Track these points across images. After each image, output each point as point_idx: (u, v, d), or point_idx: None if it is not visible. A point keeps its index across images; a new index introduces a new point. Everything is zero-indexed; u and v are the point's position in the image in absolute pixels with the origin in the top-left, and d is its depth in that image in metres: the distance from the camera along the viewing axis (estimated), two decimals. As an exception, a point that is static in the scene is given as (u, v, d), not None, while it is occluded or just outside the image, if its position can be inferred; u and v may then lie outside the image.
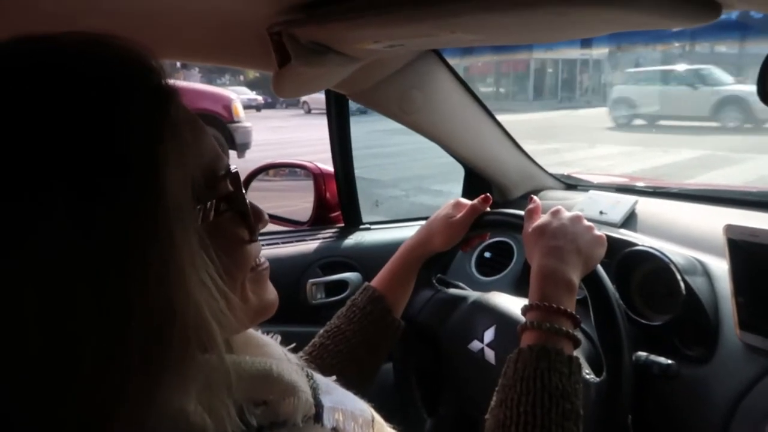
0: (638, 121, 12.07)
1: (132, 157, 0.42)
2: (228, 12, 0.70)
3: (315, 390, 0.55)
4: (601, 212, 1.36)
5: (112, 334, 0.40)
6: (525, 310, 0.78)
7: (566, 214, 0.85)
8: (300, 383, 0.52)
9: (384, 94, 1.09)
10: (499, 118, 1.42)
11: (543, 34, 0.74)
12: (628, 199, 1.36)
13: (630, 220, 1.31)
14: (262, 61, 0.79)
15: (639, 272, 1.10)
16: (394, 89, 1.08)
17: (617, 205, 1.36)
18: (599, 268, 0.84)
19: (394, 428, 0.69)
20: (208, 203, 0.48)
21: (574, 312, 0.76)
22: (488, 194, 0.99)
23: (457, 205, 1.00)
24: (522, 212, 0.91)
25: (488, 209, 0.99)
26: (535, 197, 0.92)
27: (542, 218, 0.86)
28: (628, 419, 0.83)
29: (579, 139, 11.07)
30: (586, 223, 0.85)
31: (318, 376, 0.58)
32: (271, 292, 0.58)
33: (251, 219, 0.53)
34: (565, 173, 1.74)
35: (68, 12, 0.62)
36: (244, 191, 0.53)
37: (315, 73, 0.78)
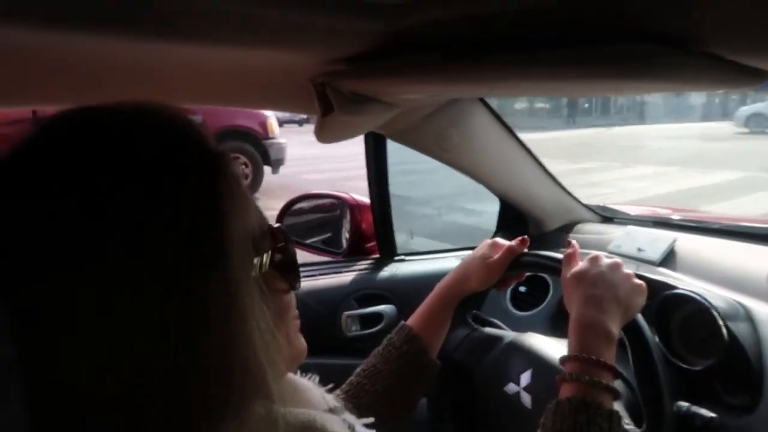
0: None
1: (199, 216, 0.44)
2: (273, 65, 0.72)
3: None
4: (639, 249, 1.34)
5: (177, 384, 0.42)
6: (563, 360, 0.77)
7: (605, 261, 0.85)
8: None
9: (422, 134, 1.11)
10: (533, 136, 1.42)
11: (580, 93, 0.75)
12: (667, 236, 1.34)
13: (669, 258, 1.29)
14: (306, 106, 0.81)
15: (679, 315, 1.08)
16: (431, 129, 1.10)
17: (656, 242, 1.33)
18: (639, 316, 0.83)
19: None
20: (264, 255, 0.51)
21: (613, 364, 0.75)
22: (526, 237, 0.99)
23: (494, 246, 1.00)
24: (560, 255, 0.90)
25: (525, 250, 0.99)
26: (573, 241, 0.92)
27: (581, 265, 0.86)
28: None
29: (612, 158, 10.99)
30: (626, 271, 0.84)
31: (359, 428, 0.59)
32: (303, 340, 0.61)
33: (297, 268, 0.56)
34: (602, 203, 1.73)
35: (122, 67, 0.65)
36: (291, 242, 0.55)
37: (357, 120, 0.80)
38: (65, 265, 0.41)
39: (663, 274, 1.20)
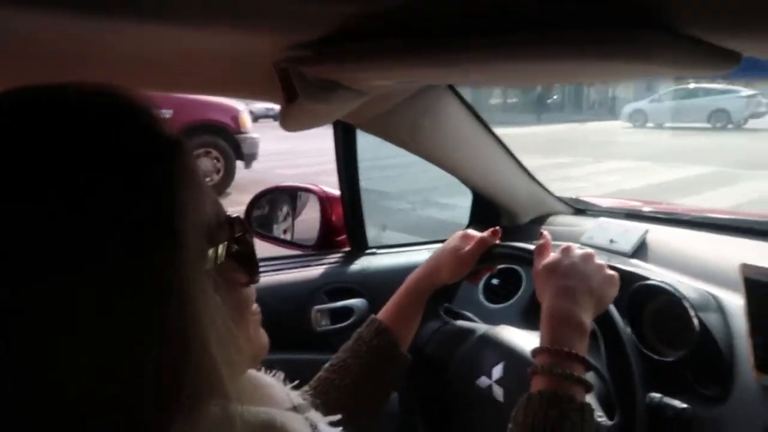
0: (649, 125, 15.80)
1: (152, 203, 0.41)
2: (234, 49, 0.69)
3: None
4: (611, 241, 1.34)
5: (127, 378, 0.39)
6: (535, 353, 0.76)
7: (577, 252, 0.84)
8: None
9: (392, 124, 1.08)
10: (507, 131, 1.41)
11: (556, 79, 0.73)
12: (639, 228, 1.34)
13: (641, 250, 1.29)
14: (270, 94, 0.78)
15: (651, 306, 1.08)
16: (402, 118, 1.07)
17: (627, 234, 1.33)
18: (611, 307, 0.82)
19: None
20: (220, 246, 0.48)
21: (585, 356, 0.74)
22: (497, 227, 0.98)
23: (465, 237, 0.99)
24: (532, 247, 0.89)
25: (497, 242, 0.97)
26: (545, 232, 0.90)
27: (553, 256, 0.84)
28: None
29: (586, 153, 11.23)
30: (598, 261, 0.83)
31: (322, 426, 0.57)
32: (265, 336, 0.58)
33: (255, 261, 0.52)
34: (574, 196, 1.72)
35: (73, 54, 0.61)
36: (249, 233, 0.52)
37: (323, 108, 0.77)
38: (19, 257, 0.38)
39: (635, 266, 1.20)
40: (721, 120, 15.37)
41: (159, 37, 0.62)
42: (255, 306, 0.57)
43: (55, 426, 0.39)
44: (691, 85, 16.42)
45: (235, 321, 0.49)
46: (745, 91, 15.69)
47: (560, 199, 1.63)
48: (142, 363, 0.39)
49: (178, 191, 0.43)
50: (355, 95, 0.77)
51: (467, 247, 0.96)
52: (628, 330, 1.01)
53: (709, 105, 15.81)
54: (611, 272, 0.83)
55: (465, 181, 1.40)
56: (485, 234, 0.98)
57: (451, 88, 1.18)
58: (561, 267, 0.82)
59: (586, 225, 1.46)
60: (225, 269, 0.49)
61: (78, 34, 0.58)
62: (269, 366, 0.74)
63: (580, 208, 1.64)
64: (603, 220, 1.46)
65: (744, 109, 15.63)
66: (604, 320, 0.81)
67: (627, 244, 1.31)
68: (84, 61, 0.62)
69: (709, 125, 15.30)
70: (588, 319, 0.77)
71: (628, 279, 1.10)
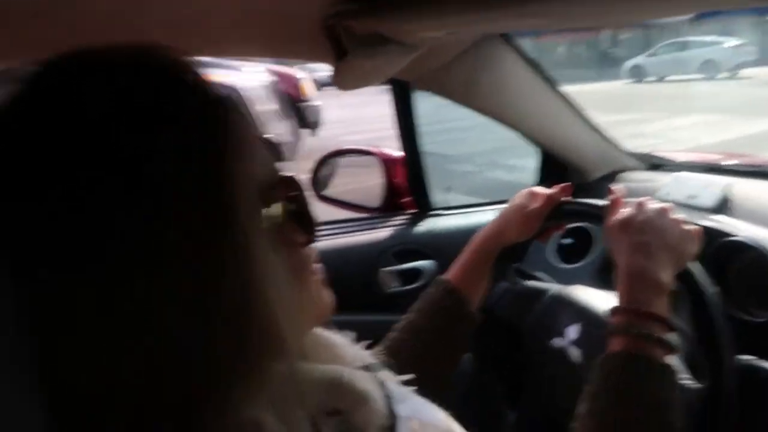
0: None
1: (201, 166, 0.41)
2: (280, 6, 0.67)
3: (389, 398, 0.53)
4: (690, 196, 1.25)
5: (192, 338, 0.39)
6: (612, 313, 0.72)
7: (652, 206, 0.78)
8: (372, 392, 0.50)
9: (448, 80, 1.04)
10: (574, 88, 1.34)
11: (615, 18, 0.67)
12: (721, 181, 1.24)
13: (724, 205, 1.19)
14: (321, 53, 0.76)
15: (738, 264, 1.00)
16: (458, 74, 1.02)
17: (708, 188, 1.24)
18: (694, 263, 0.77)
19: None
20: (274, 205, 0.47)
21: (665, 315, 0.70)
22: (567, 183, 0.93)
23: (533, 195, 0.95)
24: (603, 202, 0.84)
25: (566, 198, 0.93)
26: (617, 187, 0.85)
27: (626, 211, 0.79)
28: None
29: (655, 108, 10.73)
30: (675, 215, 0.77)
31: (392, 384, 0.56)
32: (329, 295, 0.57)
33: (312, 220, 0.51)
34: (647, 152, 1.63)
35: (122, 14, 0.61)
36: (305, 193, 0.51)
37: (374, 64, 0.75)
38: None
39: (718, 221, 1.12)
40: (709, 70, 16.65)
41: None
42: (317, 266, 0.56)
43: (125, 394, 0.39)
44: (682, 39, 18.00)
45: (296, 281, 0.49)
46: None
47: (632, 155, 1.54)
48: (210, 325, 0.39)
49: (224, 150, 0.42)
50: (405, 49, 0.74)
51: (534, 205, 0.93)
52: (713, 292, 0.95)
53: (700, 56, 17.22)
54: (690, 227, 0.77)
55: (529, 138, 1.34)
56: (553, 190, 0.93)
57: (509, 41, 1.12)
58: (635, 222, 0.77)
59: (662, 180, 1.37)
60: (283, 230, 0.48)
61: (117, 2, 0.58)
62: (340, 326, 0.74)
63: (655, 164, 1.55)
64: (681, 175, 1.36)
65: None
66: (685, 277, 0.76)
67: (708, 198, 1.22)
68: (131, 25, 0.62)
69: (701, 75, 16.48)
70: (667, 277, 0.73)
71: (710, 235, 1.02)
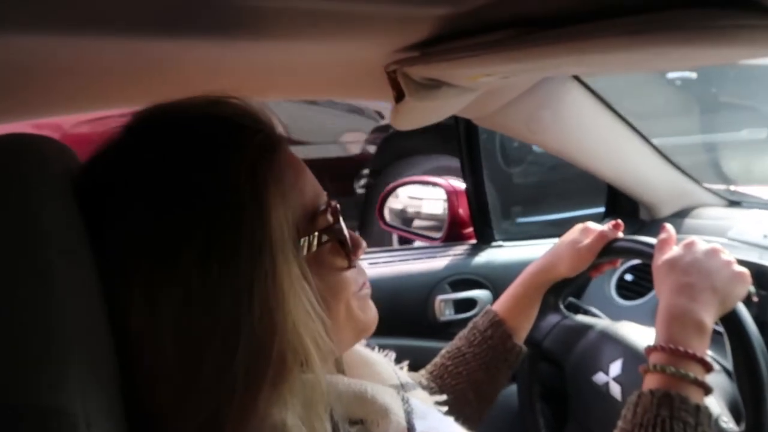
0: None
1: (242, 202, 0.49)
2: (348, 56, 0.76)
3: (409, 414, 0.57)
4: (765, 236, 1.21)
5: (225, 349, 0.47)
6: (649, 351, 0.73)
7: (701, 247, 0.79)
8: (393, 407, 0.55)
9: (510, 117, 1.08)
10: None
11: (670, 64, 0.69)
12: (801, 221, 1.20)
13: (802, 247, 1.15)
14: (381, 94, 0.83)
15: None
16: (519, 111, 1.07)
17: (786, 228, 1.19)
18: (739, 305, 0.76)
19: None
20: (309, 237, 0.54)
21: (704, 356, 0.70)
22: (618, 221, 0.94)
23: (585, 231, 0.96)
24: (654, 241, 0.85)
25: (620, 235, 0.94)
26: (667, 225, 0.86)
27: (674, 251, 0.80)
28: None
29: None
30: (725, 257, 0.77)
31: (415, 401, 0.61)
32: (372, 312, 0.62)
33: (349, 248, 0.57)
34: (729, 188, 1.57)
35: (203, 72, 0.72)
36: (342, 223, 0.58)
37: (430, 105, 0.81)
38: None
39: (789, 264, 1.08)
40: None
41: (277, 50, 0.71)
42: (357, 285, 0.61)
43: (159, 400, 0.48)
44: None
45: (333, 302, 0.55)
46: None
47: (711, 190, 1.50)
48: (236, 339, 0.46)
49: (266, 189, 0.50)
50: (461, 92, 0.79)
51: (586, 241, 0.94)
52: (759, 337, 0.92)
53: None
54: (740, 268, 0.77)
55: (595, 173, 1.35)
56: (605, 227, 0.95)
57: (576, 77, 1.15)
58: (682, 263, 0.77)
59: (738, 218, 1.33)
60: (320, 256, 0.55)
61: (206, 56, 0.68)
62: (385, 347, 0.79)
63: (735, 200, 1.50)
64: (757, 213, 1.32)
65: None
66: (730, 319, 0.75)
67: (784, 239, 1.18)
68: (208, 76, 0.73)
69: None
70: (710, 319, 0.73)
71: (776, 278, 1.00)
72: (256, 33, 0.65)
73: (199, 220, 0.48)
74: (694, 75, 3.43)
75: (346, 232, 0.58)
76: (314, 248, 0.54)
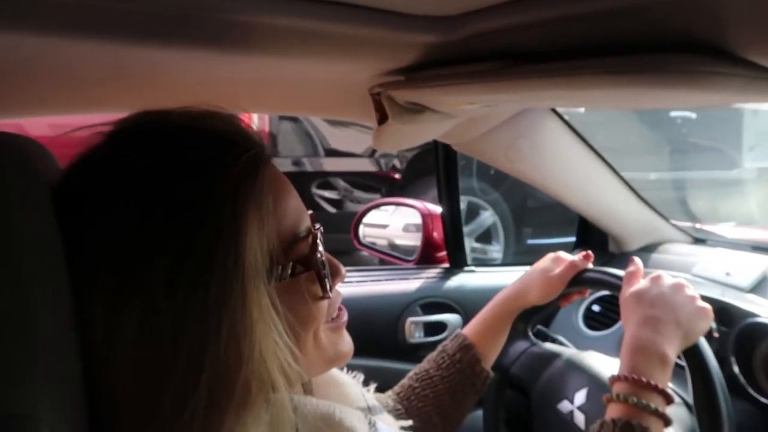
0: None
1: (220, 224, 0.48)
2: (332, 76, 0.77)
3: None
4: (727, 273, 1.25)
5: (187, 376, 0.46)
6: (612, 381, 0.75)
7: (667, 281, 0.81)
8: (360, 429, 0.55)
9: (489, 145, 1.11)
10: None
11: (648, 103, 0.72)
12: (761, 260, 1.24)
13: (761, 285, 1.19)
14: (365, 115, 0.84)
15: (764, 346, 1.00)
16: (499, 140, 1.09)
17: (747, 267, 1.23)
18: (701, 340, 0.79)
19: None
20: (283, 266, 0.53)
21: (666, 388, 0.72)
22: (589, 252, 0.97)
23: (557, 260, 0.98)
24: (622, 273, 0.87)
25: (590, 266, 0.96)
26: (636, 258, 0.88)
27: (641, 284, 0.82)
28: None
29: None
30: (689, 292, 0.80)
31: (381, 425, 0.60)
32: (346, 344, 0.61)
33: (324, 278, 0.56)
34: (695, 225, 1.62)
35: (193, 82, 0.72)
36: (320, 251, 0.56)
37: (412, 129, 0.82)
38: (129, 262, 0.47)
39: (750, 301, 1.12)
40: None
41: (263, 65, 0.71)
42: (338, 312, 0.61)
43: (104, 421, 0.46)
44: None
45: (299, 332, 0.53)
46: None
47: (677, 227, 1.55)
48: (200, 367, 0.45)
49: (248, 216, 0.48)
50: (443, 117, 0.81)
51: (557, 270, 0.96)
52: (736, 369, 0.94)
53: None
54: (703, 304, 0.79)
55: (568, 204, 1.38)
56: (576, 257, 0.97)
57: (554, 110, 1.18)
58: (648, 296, 0.80)
59: (702, 255, 1.37)
60: (300, 281, 0.54)
61: (196, 66, 0.69)
62: (353, 369, 0.79)
63: (700, 238, 1.54)
64: (722, 251, 1.36)
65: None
66: (691, 353, 0.78)
67: (745, 278, 1.21)
68: (198, 87, 0.73)
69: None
70: (673, 352, 0.75)
71: (738, 315, 1.03)
72: (246, 47, 0.66)
73: (172, 237, 0.46)
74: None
75: (324, 260, 0.56)
76: (287, 278, 0.53)
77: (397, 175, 3.61)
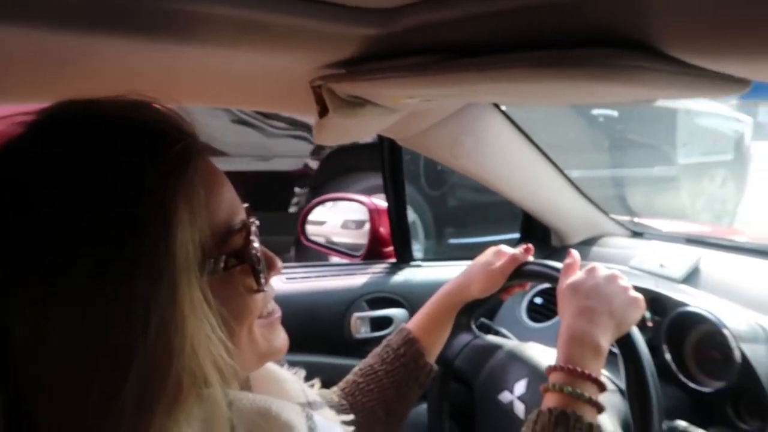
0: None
1: (148, 217, 0.46)
2: (274, 68, 0.75)
3: (312, 431, 0.57)
4: (661, 265, 1.30)
5: (115, 373, 0.44)
6: (549, 371, 0.76)
7: (602, 273, 0.83)
8: (297, 424, 0.55)
9: (433, 140, 1.11)
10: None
11: (577, 98, 0.74)
12: (694, 252, 1.29)
13: (693, 276, 1.25)
14: (305, 109, 0.83)
15: (694, 334, 1.05)
16: (443, 135, 1.10)
17: (680, 259, 1.29)
18: (634, 329, 0.81)
19: None
20: (215, 259, 0.51)
21: (599, 377, 0.74)
22: (529, 245, 0.99)
23: (498, 253, 1.00)
24: (560, 265, 0.89)
25: (530, 259, 0.98)
26: (573, 251, 0.90)
27: (576, 275, 0.85)
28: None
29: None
30: (622, 283, 0.82)
31: (319, 419, 0.60)
32: (281, 339, 0.61)
33: (259, 271, 0.55)
34: (633, 219, 1.68)
35: (125, 71, 0.69)
36: (255, 244, 0.55)
37: (353, 123, 0.82)
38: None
39: (682, 292, 1.16)
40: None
41: (199, 55, 0.69)
42: (273, 307, 0.60)
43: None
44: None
45: (232, 326, 0.52)
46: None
47: (616, 221, 1.60)
48: (128, 363, 0.44)
49: (178, 208, 0.47)
50: (384, 112, 0.81)
51: (498, 263, 0.97)
52: (668, 356, 0.98)
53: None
54: (636, 294, 0.82)
55: (512, 200, 1.40)
56: (517, 251, 0.99)
57: (497, 106, 1.20)
58: (583, 287, 0.82)
59: (639, 248, 1.43)
60: (235, 274, 0.53)
61: (132, 56, 0.66)
62: (297, 365, 0.78)
63: (638, 231, 1.60)
64: (656, 244, 1.42)
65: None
66: (624, 342, 0.80)
67: (678, 269, 1.27)
68: (130, 76, 0.71)
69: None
70: (606, 341, 0.77)
71: (669, 305, 1.07)
72: (184, 37, 0.64)
73: (98, 229, 0.45)
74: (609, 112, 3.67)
75: (259, 253, 0.55)
76: (220, 272, 0.52)
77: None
